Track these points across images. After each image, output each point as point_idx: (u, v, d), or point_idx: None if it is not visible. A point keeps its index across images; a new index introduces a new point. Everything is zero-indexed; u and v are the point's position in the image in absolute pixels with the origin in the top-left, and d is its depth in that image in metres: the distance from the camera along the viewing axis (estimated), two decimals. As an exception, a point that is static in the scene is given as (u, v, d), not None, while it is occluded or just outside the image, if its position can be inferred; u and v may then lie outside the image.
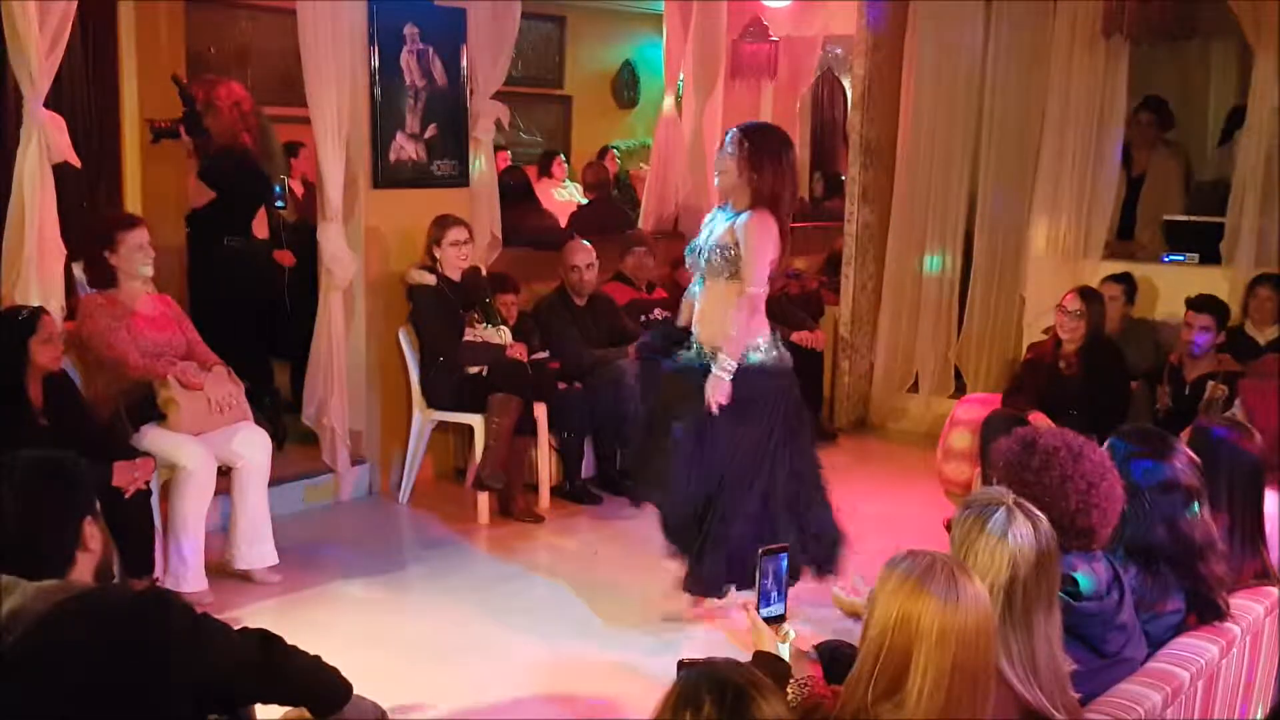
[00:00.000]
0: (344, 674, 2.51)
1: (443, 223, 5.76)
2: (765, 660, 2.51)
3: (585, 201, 8.79)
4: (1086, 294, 5.62)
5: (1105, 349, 5.63)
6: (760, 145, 4.30)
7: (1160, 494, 2.72)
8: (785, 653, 2.58)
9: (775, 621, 2.65)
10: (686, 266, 4.57)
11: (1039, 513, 2.23)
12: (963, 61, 7.25)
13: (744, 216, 4.26)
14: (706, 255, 4.32)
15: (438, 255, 5.74)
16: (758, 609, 2.64)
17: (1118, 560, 2.67)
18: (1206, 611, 2.75)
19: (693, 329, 4.45)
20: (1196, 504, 2.75)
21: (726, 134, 4.43)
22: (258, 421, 5.02)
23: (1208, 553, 2.75)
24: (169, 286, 5.21)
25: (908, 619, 1.94)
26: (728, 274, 4.27)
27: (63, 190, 4.69)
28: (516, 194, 7.60)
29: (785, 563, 2.71)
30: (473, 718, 3.80)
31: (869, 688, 1.97)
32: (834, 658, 2.74)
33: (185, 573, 4.52)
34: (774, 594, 2.68)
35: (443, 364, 5.76)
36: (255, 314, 5.90)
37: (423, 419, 5.93)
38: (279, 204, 6.43)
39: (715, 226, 4.39)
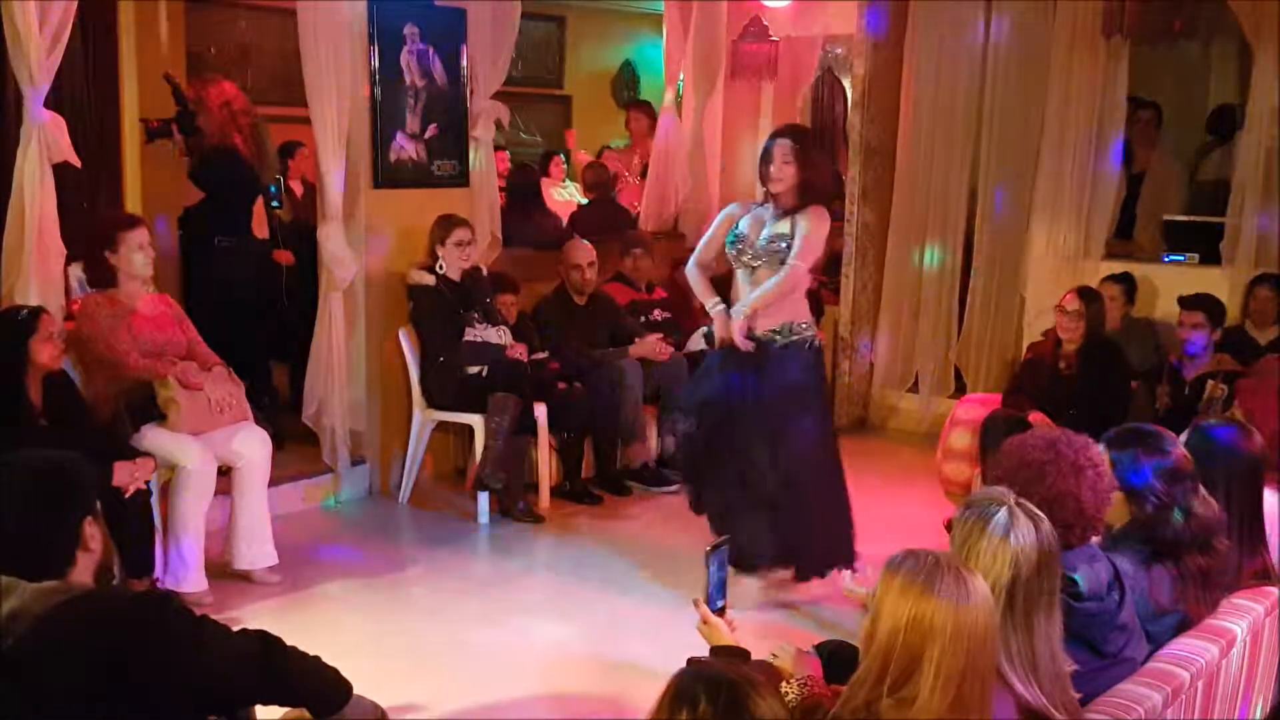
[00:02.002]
0: (344, 674, 2.52)
1: (447, 223, 5.76)
2: (726, 653, 2.50)
3: (585, 201, 8.78)
4: (1086, 294, 5.62)
5: (1105, 349, 5.63)
6: (808, 144, 4.63)
7: (1171, 485, 2.74)
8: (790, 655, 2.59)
9: (719, 614, 2.67)
10: (730, 257, 4.68)
11: (1040, 512, 2.23)
12: (963, 61, 7.24)
13: (805, 212, 4.51)
14: (765, 247, 4.53)
15: (440, 254, 5.73)
16: (707, 604, 2.64)
17: (1142, 561, 2.69)
18: (1202, 601, 2.77)
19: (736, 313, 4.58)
20: (1177, 496, 2.76)
21: (770, 144, 4.61)
22: (257, 421, 5.02)
23: (1219, 532, 2.79)
24: (164, 286, 5.21)
25: (919, 619, 1.93)
26: (779, 263, 4.51)
27: (63, 190, 4.69)
28: (524, 194, 7.58)
29: (727, 557, 2.72)
30: (473, 718, 3.80)
31: (875, 687, 1.96)
32: (834, 658, 2.74)
33: (185, 573, 4.52)
34: (722, 588, 2.69)
35: (443, 364, 5.76)
36: (250, 314, 5.87)
37: (423, 419, 5.93)
38: (274, 204, 6.42)
39: (766, 223, 4.57)
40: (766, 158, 4.60)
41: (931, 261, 7.44)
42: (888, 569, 2.01)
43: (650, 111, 8.92)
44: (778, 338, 4.57)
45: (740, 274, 4.67)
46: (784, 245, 4.50)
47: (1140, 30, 6.47)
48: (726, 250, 4.67)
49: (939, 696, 1.92)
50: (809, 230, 4.49)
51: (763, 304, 4.52)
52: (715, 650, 2.55)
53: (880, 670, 1.96)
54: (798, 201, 4.54)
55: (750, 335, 4.54)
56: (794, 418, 4.57)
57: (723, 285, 4.80)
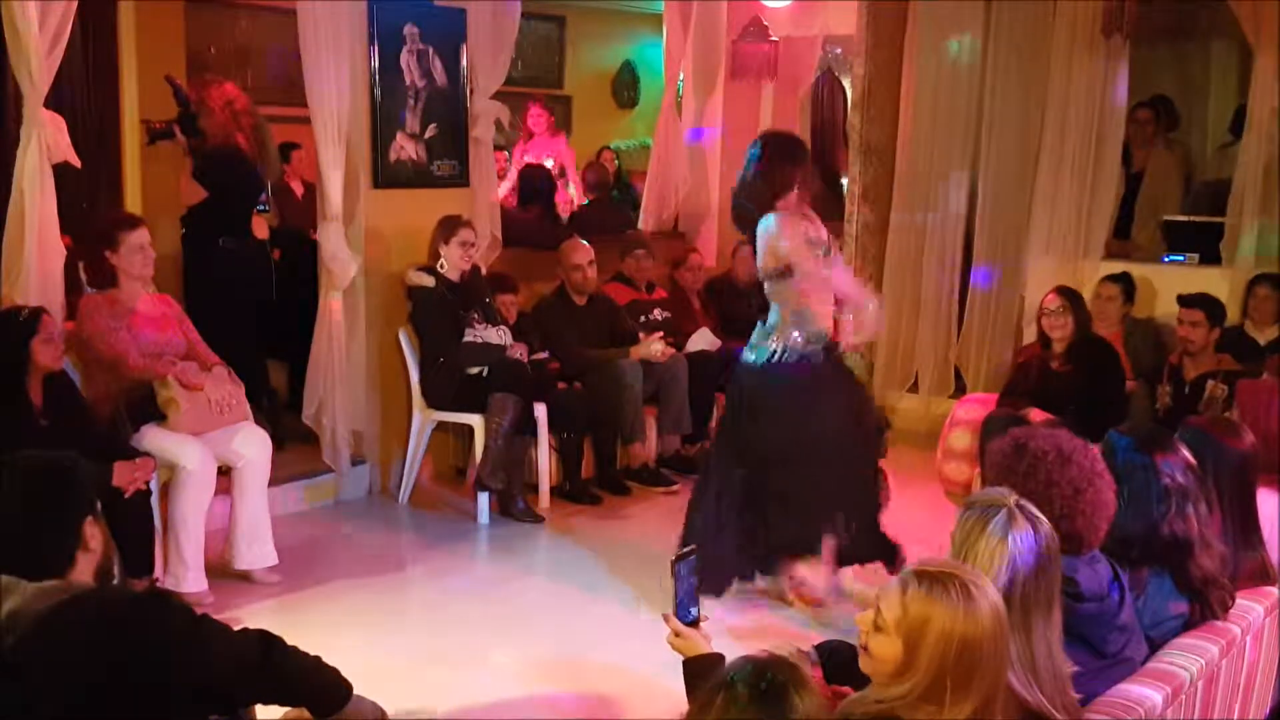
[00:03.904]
0: (344, 674, 2.52)
1: (451, 223, 5.76)
2: (705, 663, 2.45)
3: (585, 201, 8.77)
4: (1065, 291, 5.62)
5: (1096, 345, 5.62)
6: None
7: (1137, 489, 2.73)
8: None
9: (693, 625, 2.56)
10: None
11: (1040, 514, 2.23)
12: (963, 61, 7.24)
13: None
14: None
15: (443, 254, 5.72)
16: (678, 615, 2.54)
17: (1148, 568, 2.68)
18: (1205, 611, 2.75)
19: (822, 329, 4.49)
20: (1174, 501, 2.73)
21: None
22: (257, 421, 5.01)
23: (1192, 550, 2.75)
24: (165, 286, 5.21)
25: (971, 642, 1.94)
26: None
27: (63, 190, 4.69)
28: (542, 198, 7.54)
29: (694, 565, 2.59)
30: (472, 718, 3.81)
31: (924, 707, 1.96)
32: (834, 658, 2.74)
33: (185, 573, 4.52)
34: (692, 596, 2.57)
35: (443, 364, 5.76)
36: (250, 314, 5.86)
37: (423, 419, 5.93)
38: (261, 207, 6.38)
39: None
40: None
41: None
42: (917, 589, 1.99)
43: (548, 108, 8.85)
44: None
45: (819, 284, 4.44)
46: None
47: (1140, 30, 6.47)
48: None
49: (983, 706, 1.94)
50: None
51: None
52: (691, 663, 2.48)
53: (928, 691, 1.95)
54: None
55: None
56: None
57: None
